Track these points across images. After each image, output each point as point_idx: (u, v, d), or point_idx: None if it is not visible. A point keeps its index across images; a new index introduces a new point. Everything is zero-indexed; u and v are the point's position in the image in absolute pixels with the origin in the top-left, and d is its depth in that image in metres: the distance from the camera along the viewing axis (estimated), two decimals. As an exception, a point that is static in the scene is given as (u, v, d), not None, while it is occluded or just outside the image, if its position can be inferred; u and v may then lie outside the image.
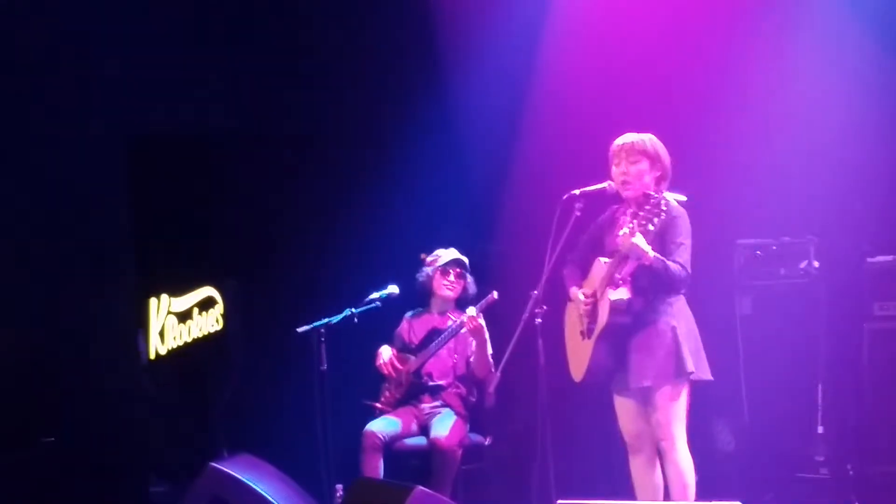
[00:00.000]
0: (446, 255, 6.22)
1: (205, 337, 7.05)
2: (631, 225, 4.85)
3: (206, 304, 7.07)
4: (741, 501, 4.29)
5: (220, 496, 5.44)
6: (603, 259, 5.08)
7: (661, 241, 4.91)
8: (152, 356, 7.16)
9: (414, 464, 6.02)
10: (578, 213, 5.08)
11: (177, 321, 7.13)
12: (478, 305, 5.94)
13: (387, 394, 6.22)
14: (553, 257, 5.06)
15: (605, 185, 5.10)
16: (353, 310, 5.99)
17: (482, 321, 5.92)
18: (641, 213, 4.79)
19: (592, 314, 5.07)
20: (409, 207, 6.88)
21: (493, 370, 5.62)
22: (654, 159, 5.05)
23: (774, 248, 6.27)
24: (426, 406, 6.14)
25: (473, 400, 6.17)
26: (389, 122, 7.10)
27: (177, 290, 7.15)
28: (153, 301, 7.16)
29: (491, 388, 5.30)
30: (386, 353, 6.21)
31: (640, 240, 4.80)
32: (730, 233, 6.34)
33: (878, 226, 6.22)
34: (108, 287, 7.13)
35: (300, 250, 7.18)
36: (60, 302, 7.02)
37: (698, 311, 5.12)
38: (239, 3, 7.27)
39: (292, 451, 6.11)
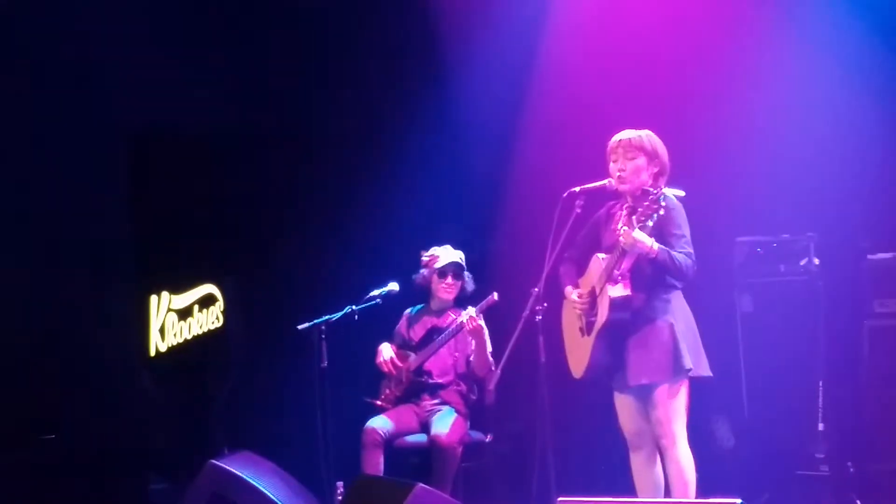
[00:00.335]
0: (443, 256, 6.20)
1: (205, 334, 7.04)
2: (624, 227, 4.84)
3: (206, 302, 7.07)
4: (741, 499, 4.27)
5: (220, 493, 5.45)
6: (600, 255, 5.08)
7: (660, 234, 4.90)
8: (152, 353, 7.16)
9: (414, 461, 6.03)
10: (579, 211, 5.08)
11: (177, 318, 7.13)
12: (477, 307, 5.93)
13: (387, 391, 6.23)
14: (554, 255, 5.06)
15: (605, 182, 5.10)
16: (354, 307, 5.98)
17: (482, 321, 5.92)
18: (640, 210, 4.78)
19: (591, 311, 5.07)
20: (410, 205, 6.88)
21: (493, 368, 5.62)
22: (651, 155, 5.04)
23: (775, 245, 6.26)
24: (426, 403, 6.14)
25: (474, 397, 6.17)
26: (389, 121, 7.12)
27: (177, 287, 7.15)
28: (153, 298, 7.17)
29: (491, 386, 5.30)
30: (386, 350, 6.21)
31: (640, 234, 4.80)
32: (730, 230, 6.33)
33: (879, 223, 6.22)
34: (109, 285, 7.15)
35: (301, 247, 7.19)
36: (60, 299, 7.03)
37: (698, 308, 5.12)
38: (239, 2, 7.28)
39: (292, 449, 6.12)
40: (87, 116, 7.12)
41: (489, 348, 5.97)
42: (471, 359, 6.07)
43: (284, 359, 6.71)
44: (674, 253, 4.90)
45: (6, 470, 6.59)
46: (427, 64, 7.08)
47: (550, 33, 6.82)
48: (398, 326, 6.35)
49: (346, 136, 7.31)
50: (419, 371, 6.17)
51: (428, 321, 6.28)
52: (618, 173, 5.05)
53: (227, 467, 5.50)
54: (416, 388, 6.17)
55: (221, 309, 7.04)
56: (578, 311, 5.13)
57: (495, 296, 5.91)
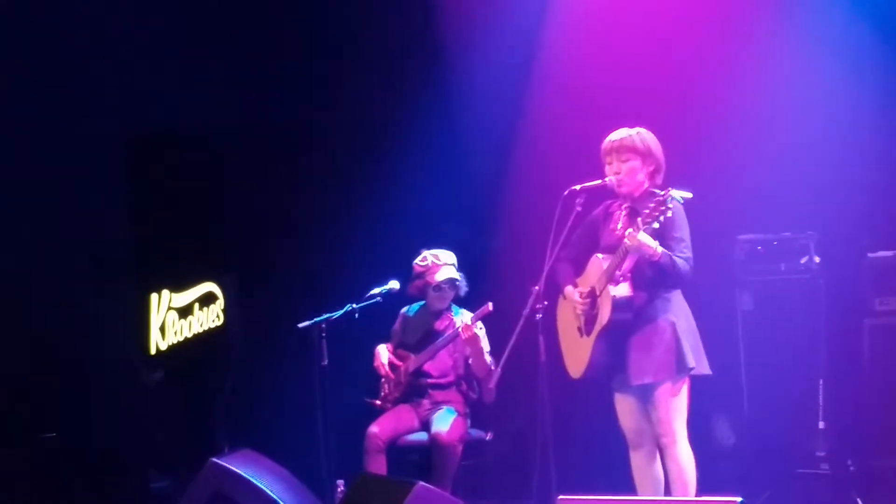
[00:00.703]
0: (440, 271, 6.08)
1: (206, 332, 7.05)
2: (629, 229, 4.84)
3: (206, 300, 7.07)
4: (741, 497, 4.27)
5: (220, 491, 5.45)
6: (599, 255, 5.07)
7: (660, 237, 4.88)
8: (153, 351, 7.17)
9: (415, 459, 6.03)
10: (579, 209, 5.05)
11: (177, 317, 7.14)
12: (472, 316, 5.93)
13: (386, 391, 6.22)
14: (554, 253, 5.06)
15: (605, 180, 5.09)
16: (354, 305, 5.97)
17: (478, 330, 5.89)
18: (647, 211, 4.74)
19: (591, 311, 5.07)
20: (410, 203, 6.87)
21: (492, 369, 5.61)
22: (644, 155, 5.02)
23: (775, 243, 6.25)
24: (426, 403, 6.13)
25: (474, 396, 6.17)
26: (390, 119, 7.11)
27: (177, 285, 7.16)
28: (154, 296, 7.18)
29: (491, 384, 5.30)
30: (383, 354, 6.20)
31: (646, 237, 4.78)
32: (730, 228, 6.33)
33: (879, 221, 6.22)
34: (109, 283, 7.15)
35: (301, 246, 7.19)
36: (61, 298, 7.03)
37: (699, 306, 5.11)
38: (239, 2, 7.28)
39: (293, 447, 6.11)
40: (87, 114, 7.13)
41: (487, 349, 5.95)
42: (469, 361, 6.06)
43: (285, 357, 6.71)
44: (675, 258, 4.89)
45: (6, 467, 6.58)
46: (427, 61, 7.07)
47: (550, 33, 6.82)
48: (395, 326, 6.34)
49: (346, 135, 7.31)
50: (418, 373, 6.16)
51: (426, 322, 6.26)
52: (615, 177, 5.04)
53: (228, 465, 5.50)
54: (415, 388, 6.17)
55: (222, 307, 7.04)
56: (578, 311, 5.12)
57: (490, 306, 5.87)
